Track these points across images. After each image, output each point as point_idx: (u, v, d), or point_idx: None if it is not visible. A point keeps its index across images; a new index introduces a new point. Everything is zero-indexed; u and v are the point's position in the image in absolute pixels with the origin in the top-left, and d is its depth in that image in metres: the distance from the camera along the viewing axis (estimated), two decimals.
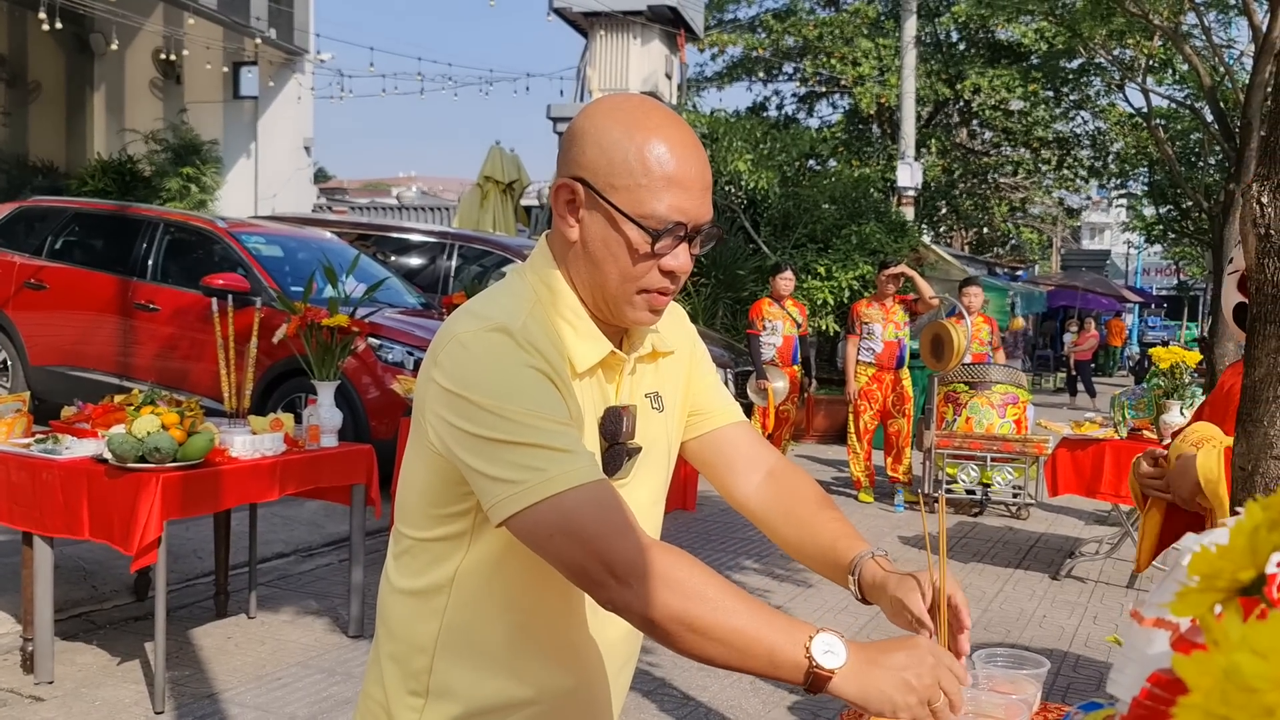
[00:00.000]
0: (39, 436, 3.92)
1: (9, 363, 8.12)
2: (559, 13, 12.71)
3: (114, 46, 14.65)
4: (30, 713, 3.53)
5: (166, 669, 3.66)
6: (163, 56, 15.75)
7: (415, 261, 9.31)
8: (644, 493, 1.39)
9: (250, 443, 3.91)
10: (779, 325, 8.32)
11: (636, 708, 3.80)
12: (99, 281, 7.78)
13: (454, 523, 1.27)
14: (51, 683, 3.74)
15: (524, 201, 15.24)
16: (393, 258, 9.18)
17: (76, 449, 3.77)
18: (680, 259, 1.26)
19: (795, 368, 8.41)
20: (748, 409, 8.51)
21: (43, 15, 11.49)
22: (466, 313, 1.26)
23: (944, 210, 22.45)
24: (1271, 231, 1.85)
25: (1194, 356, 5.42)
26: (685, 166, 1.24)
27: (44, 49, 15.22)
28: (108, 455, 3.57)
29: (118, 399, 4.13)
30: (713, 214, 1.29)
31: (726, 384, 8.39)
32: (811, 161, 14.34)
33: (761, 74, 21.74)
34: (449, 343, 1.22)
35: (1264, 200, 1.86)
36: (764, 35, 20.56)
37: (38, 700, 3.63)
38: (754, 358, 8.26)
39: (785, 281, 8.43)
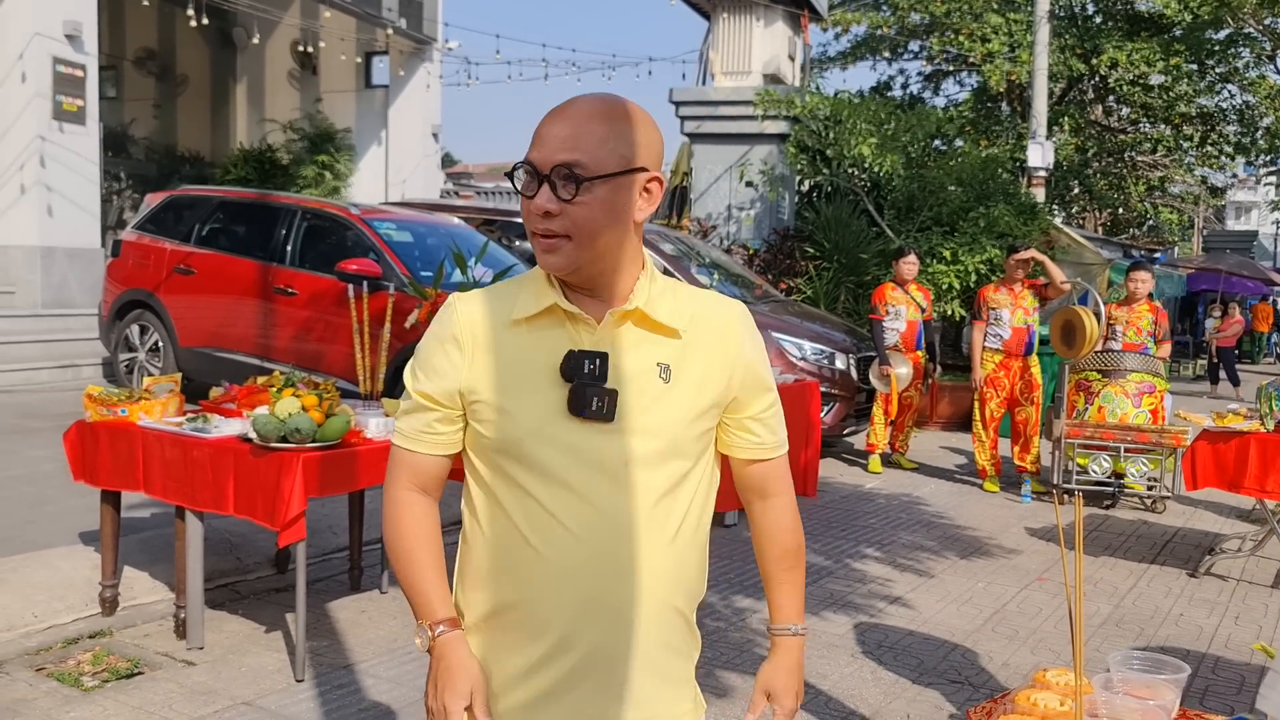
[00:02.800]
0: (190, 415, 4.14)
1: (160, 344, 8.58)
2: None
3: (255, 40, 15.25)
4: (184, 676, 3.75)
5: (306, 639, 3.85)
6: (300, 48, 16.34)
7: None
8: (638, 444, 1.54)
9: (384, 424, 4.06)
10: (902, 310, 8.19)
11: (749, 691, 3.82)
12: (241, 267, 8.15)
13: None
14: (202, 648, 3.96)
15: None
16: (516, 242, 9.35)
17: (224, 428, 3.98)
18: (537, 198, 1.49)
19: (919, 353, 8.28)
20: (869, 394, 8.41)
21: (190, 11, 12.04)
22: None
23: (1077, 191, 21.65)
24: None
25: None
26: (544, 125, 1.52)
27: (191, 44, 15.95)
28: (252, 435, 3.76)
29: (260, 381, 4.34)
30: (574, 159, 1.47)
31: (848, 370, 8.33)
32: (938, 142, 13.99)
33: (886, 53, 21.32)
34: None
35: None
36: (889, 13, 20.14)
37: (190, 665, 3.85)
38: (877, 343, 8.15)
39: (909, 265, 8.29)
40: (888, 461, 8.39)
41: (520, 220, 9.78)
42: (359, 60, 16.27)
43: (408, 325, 4.68)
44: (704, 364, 1.59)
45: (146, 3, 12.17)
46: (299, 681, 3.73)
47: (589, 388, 1.51)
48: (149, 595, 4.47)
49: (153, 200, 9.15)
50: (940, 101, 21.45)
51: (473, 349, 1.57)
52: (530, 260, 8.79)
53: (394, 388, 7.03)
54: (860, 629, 4.56)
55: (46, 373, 9.55)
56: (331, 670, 3.87)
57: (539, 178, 1.49)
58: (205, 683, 3.70)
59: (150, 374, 8.28)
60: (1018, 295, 7.64)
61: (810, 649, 4.28)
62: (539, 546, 1.54)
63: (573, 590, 1.55)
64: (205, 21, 12.76)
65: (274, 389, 4.10)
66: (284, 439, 3.70)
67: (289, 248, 8.01)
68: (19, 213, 10.50)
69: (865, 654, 4.25)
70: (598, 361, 1.51)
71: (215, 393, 4.52)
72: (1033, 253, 7.70)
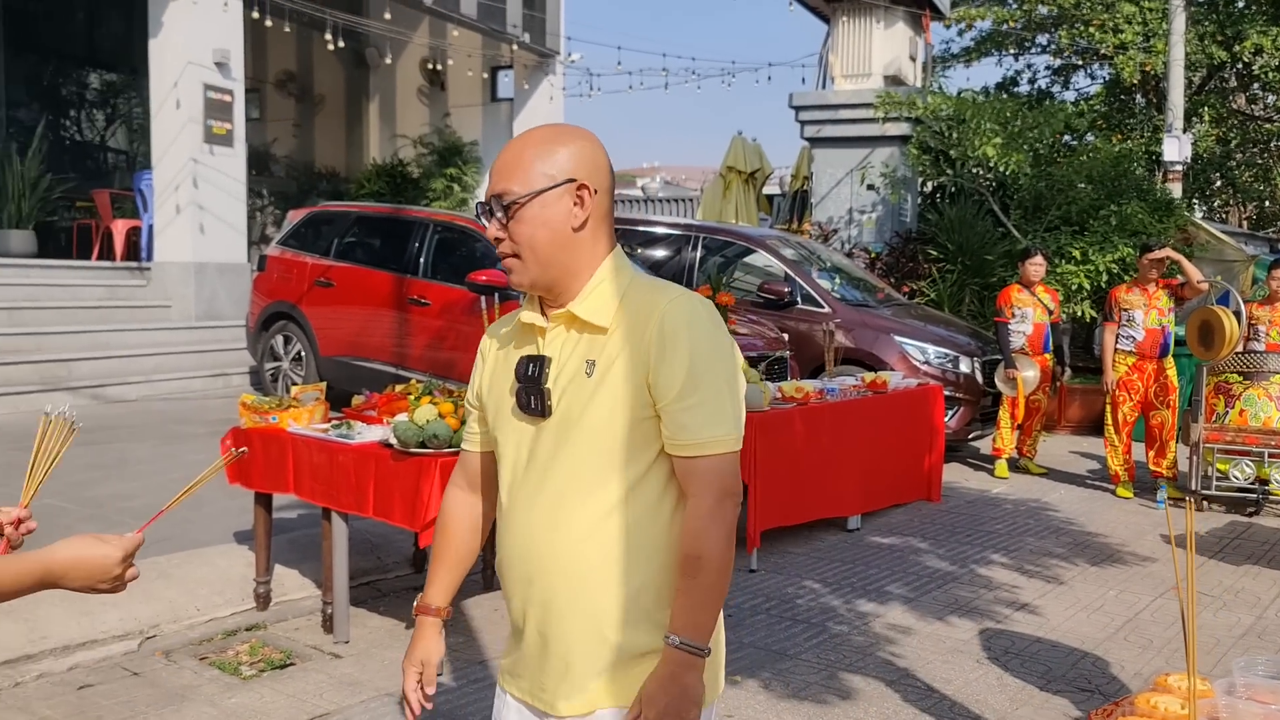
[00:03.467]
0: (334, 422, 4.41)
1: (303, 353, 9.04)
2: (801, 1, 12.69)
3: (387, 60, 15.84)
4: (332, 668, 4.00)
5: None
6: (429, 66, 16.91)
7: (660, 254, 9.61)
8: (568, 436, 1.70)
9: None
10: (1029, 312, 8.05)
11: (879, 696, 3.86)
12: (377, 279, 8.53)
13: None
14: (348, 642, 4.21)
15: (766, 190, 15.33)
16: (639, 250, 9.52)
17: (366, 434, 4.22)
18: (489, 228, 1.73)
19: (1047, 356, 8.11)
20: (995, 398, 8.28)
21: (328, 35, 12.61)
22: None
23: (1218, 184, 20.70)
24: None
25: None
26: (493, 164, 1.75)
27: (327, 66, 16.67)
28: (393, 440, 3.99)
29: (399, 389, 4.59)
30: (505, 188, 1.69)
31: (973, 373, 8.21)
32: (1067, 137, 13.60)
33: (1013, 48, 20.78)
34: None
35: None
36: (1015, 7, 19.63)
37: (337, 657, 4.10)
38: (1002, 346, 8.03)
39: (1035, 267, 8.14)
40: (1015, 466, 8.24)
41: (643, 229, 9.98)
42: (485, 75, 16.72)
43: None
44: (628, 355, 1.69)
45: (287, 29, 12.78)
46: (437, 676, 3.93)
47: (527, 388, 1.74)
48: (298, 591, 4.76)
49: (294, 217, 9.65)
50: (1070, 96, 20.78)
51: (485, 360, 1.89)
52: (649, 268, 8.96)
53: None
54: (986, 634, 4.54)
55: (200, 381, 10.15)
56: (468, 665, 4.07)
57: (490, 211, 1.73)
58: (352, 674, 3.94)
59: (294, 382, 8.73)
60: (1152, 295, 7.43)
61: (935, 653, 4.29)
62: (500, 530, 1.82)
63: (516, 577, 1.78)
64: (340, 44, 13.34)
65: (412, 397, 4.33)
66: (423, 444, 3.91)
67: (422, 260, 8.34)
68: (175, 231, 11.17)
69: (991, 659, 4.24)
70: (536, 364, 1.72)
71: (357, 400, 4.79)
72: (1168, 252, 7.47)
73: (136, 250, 11.71)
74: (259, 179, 15.19)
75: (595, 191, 1.72)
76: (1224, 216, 21.62)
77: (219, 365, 10.41)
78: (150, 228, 11.47)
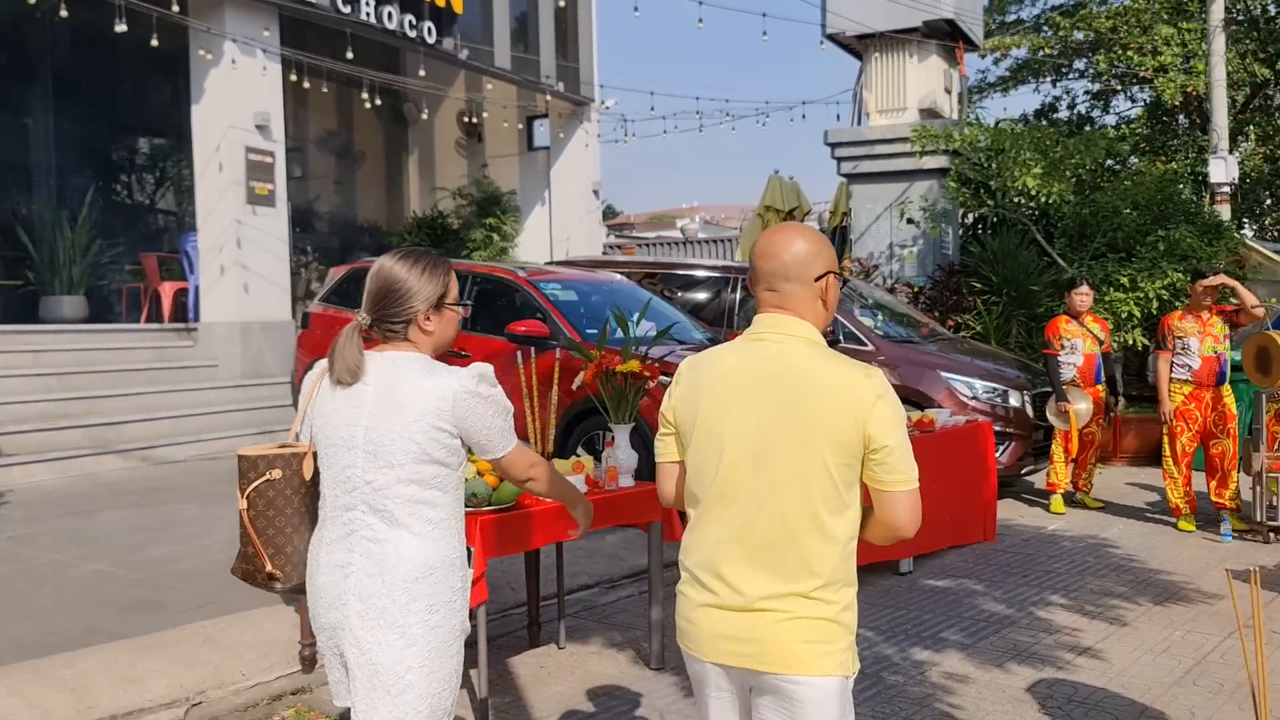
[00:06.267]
0: None
1: None
2: (832, 39, 12.67)
3: (424, 115, 16.08)
4: None
5: (489, 695, 3.98)
6: (465, 119, 17.12)
7: (700, 296, 9.57)
8: None
9: None
10: (1079, 344, 7.89)
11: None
12: None
13: None
14: None
15: None
16: (678, 294, 9.49)
17: None
18: None
19: (1099, 387, 7.94)
20: (1047, 432, 8.11)
21: (365, 94, 12.81)
22: None
23: (1268, 202, 20.33)
24: None
25: None
26: None
27: (366, 123, 16.93)
28: None
29: None
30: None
31: (1023, 407, 8.05)
32: (1110, 161, 13.42)
33: (1050, 74, 20.64)
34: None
35: None
36: (1050, 33, 19.52)
37: None
38: (1053, 379, 7.87)
39: (1082, 297, 7.99)
40: (1071, 501, 8.05)
41: (682, 272, 9.96)
42: (520, 126, 16.90)
43: (575, 386, 4.81)
44: None
45: (325, 89, 13.01)
46: None
47: None
48: None
49: (335, 274, 9.73)
50: (1111, 119, 20.57)
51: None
52: (689, 311, 8.93)
53: (563, 443, 7.23)
54: (1047, 683, 4.39)
55: (247, 439, 10.23)
56: None
57: None
58: None
59: None
60: (1206, 322, 7.25)
61: (995, 703, 4.15)
62: None
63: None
64: (378, 101, 13.55)
65: None
66: None
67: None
68: (220, 291, 11.34)
69: (1054, 709, 4.09)
70: None
71: None
72: (1222, 278, 7.29)
73: (184, 312, 11.89)
74: (302, 236, 15.41)
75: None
76: (1276, 235, 21.19)
77: (265, 423, 10.50)
78: (196, 288, 11.65)
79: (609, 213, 35.00)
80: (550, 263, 11.43)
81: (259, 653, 4.58)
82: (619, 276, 9.07)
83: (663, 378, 6.94)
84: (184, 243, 12.00)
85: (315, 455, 2.50)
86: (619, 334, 6.97)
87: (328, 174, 17.02)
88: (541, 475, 2.64)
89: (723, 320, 9.11)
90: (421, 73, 13.34)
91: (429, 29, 13.40)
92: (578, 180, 17.06)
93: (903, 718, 4.02)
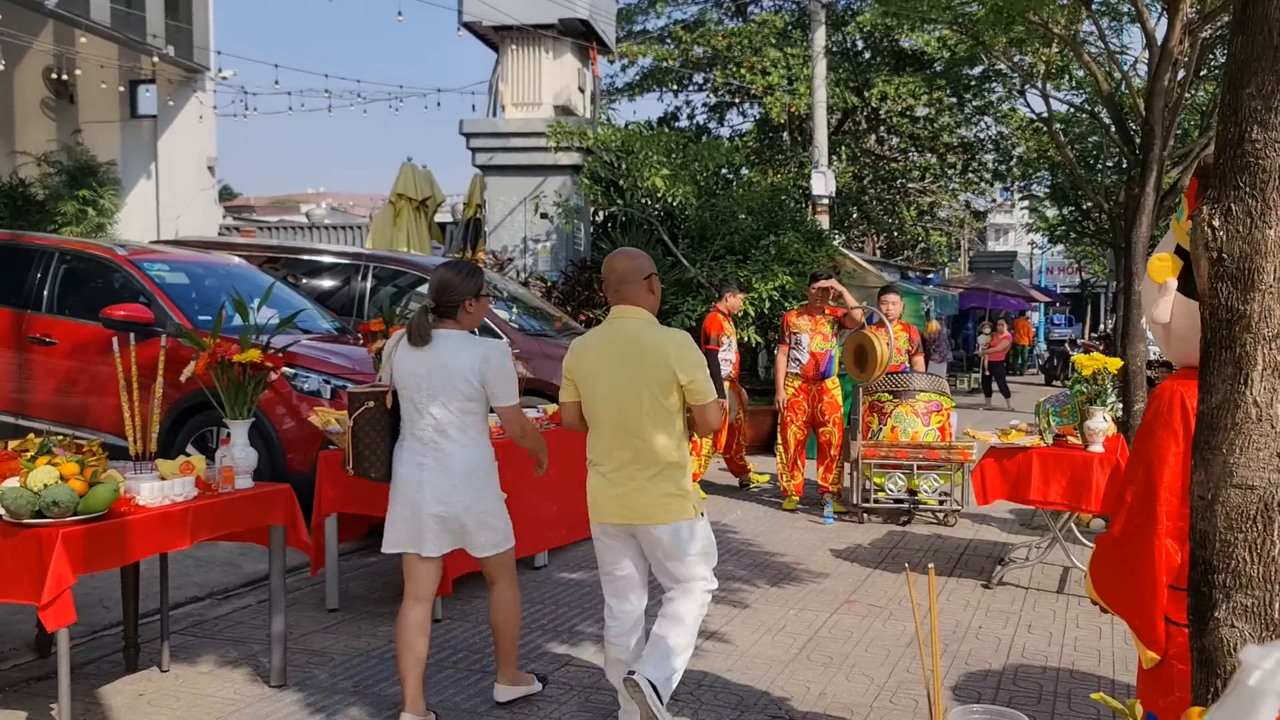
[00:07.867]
0: None
1: None
2: (468, 27, 12.47)
3: (1, 65, 14.03)
4: None
5: None
6: (54, 75, 15.15)
7: (328, 284, 9.04)
8: None
9: (158, 489, 3.69)
10: (732, 341, 8.47)
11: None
12: None
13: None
14: None
15: (438, 218, 14.98)
16: (304, 280, 8.90)
17: None
18: None
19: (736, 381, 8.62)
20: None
21: None
22: None
23: (855, 216, 22.72)
24: (1224, 256, 1.81)
25: (1115, 363, 5.49)
26: None
27: None
28: (0, 511, 3.33)
29: (11, 445, 3.87)
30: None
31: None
32: (725, 171, 14.33)
33: (672, 85, 21.76)
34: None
35: (1215, 224, 1.82)
36: (673, 46, 20.58)
37: None
38: (715, 375, 8.19)
39: (738, 299, 8.65)
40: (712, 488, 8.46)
41: (307, 257, 9.36)
42: (122, 89, 15.24)
43: (183, 378, 4.26)
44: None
45: None
46: None
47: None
48: None
49: None
50: (725, 132, 22.06)
51: None
52: (315, 299, 8.39)
53: (170, 442, 6.50)
54: None
55: None
56: None
57: None
58: None
59: None
60: (817, 321, 7.88)
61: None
62: None
63: None
64: None
65: (27, 455, 3.66)
66: (39, 514, 3.29)
67: (46, 293, 7.32)
68: None
69: (684, 695, 4.17)
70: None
71: None
72: (832, 283, 7.95)
73: None
74: None
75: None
76: (861, 246, 23.75)
77: None
78: None
79: (227, 193, 32.63)
80: (156, 242, 10.31)
81: None
82: (238, 260, 8.35)
83: (285, 369, 6.45)
84: None
85: (395, 393, 3.74)
86: (237, 321, 6.38)
87: None
88: (525, 438, 3.89)
89: (352, 309, 8.66)
90: None
91: None
92: (190, 154, 15.68)
93: (541, 717, 3.93)
